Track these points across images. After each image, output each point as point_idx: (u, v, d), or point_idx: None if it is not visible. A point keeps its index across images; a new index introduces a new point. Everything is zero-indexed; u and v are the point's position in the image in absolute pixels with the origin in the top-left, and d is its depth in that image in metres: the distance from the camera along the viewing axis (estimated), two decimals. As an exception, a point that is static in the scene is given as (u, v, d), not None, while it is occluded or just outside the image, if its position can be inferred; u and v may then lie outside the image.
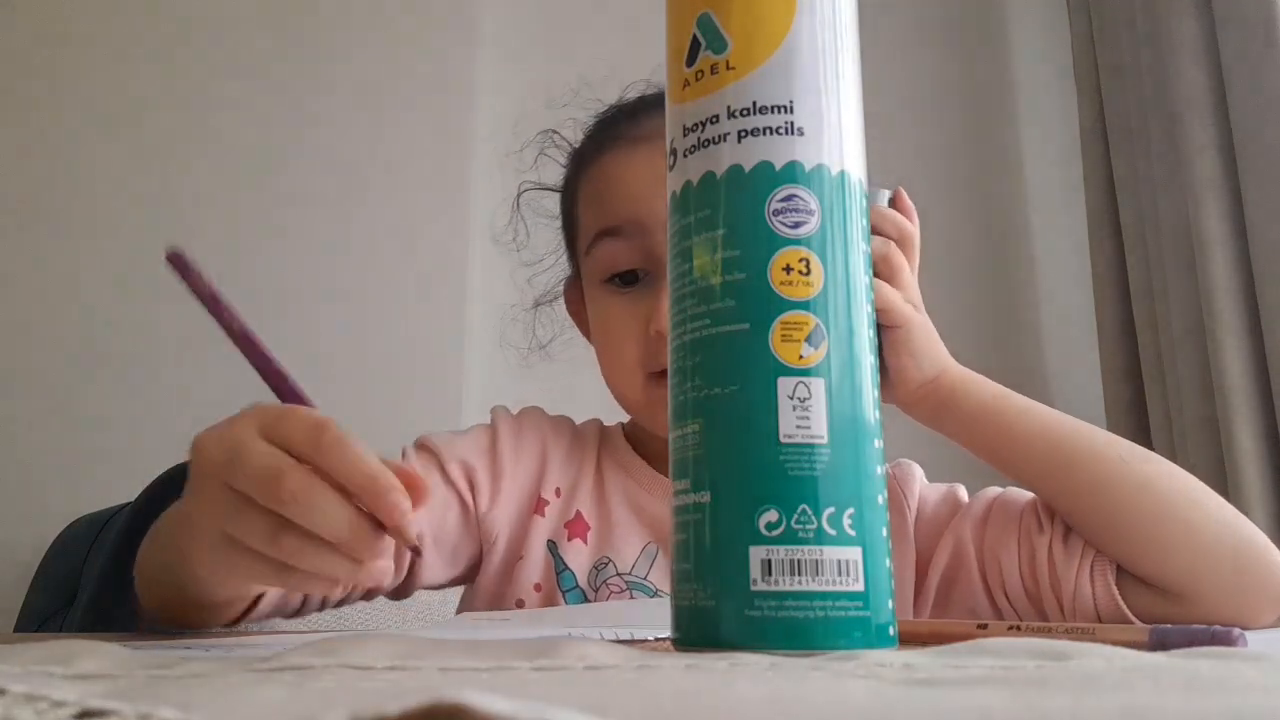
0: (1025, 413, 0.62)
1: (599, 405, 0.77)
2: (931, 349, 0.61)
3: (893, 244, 0.61)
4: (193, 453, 0.40)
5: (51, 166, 1.53)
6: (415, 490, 0.38)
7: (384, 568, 0.39)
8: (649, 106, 0.72)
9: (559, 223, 0.80)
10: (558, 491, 0.71)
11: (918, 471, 0.72)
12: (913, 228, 0.63)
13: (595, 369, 0.72)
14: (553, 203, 0.80)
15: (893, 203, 0.64)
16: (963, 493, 0.70)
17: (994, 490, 0.67)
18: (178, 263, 0.45)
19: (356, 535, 0.37)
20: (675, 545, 0.35)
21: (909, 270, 0.62)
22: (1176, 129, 1.38)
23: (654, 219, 0.65)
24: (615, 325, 0.68)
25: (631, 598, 0.67)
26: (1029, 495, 0.65)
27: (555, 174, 0.80)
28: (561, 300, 0.81)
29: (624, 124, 0.72)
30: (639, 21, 0.76)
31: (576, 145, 0.78)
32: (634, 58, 0.73)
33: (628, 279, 0.67)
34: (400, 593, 0.67)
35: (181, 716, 0.17)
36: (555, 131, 0.80)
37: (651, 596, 0.67)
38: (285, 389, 0.44)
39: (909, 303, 0.60)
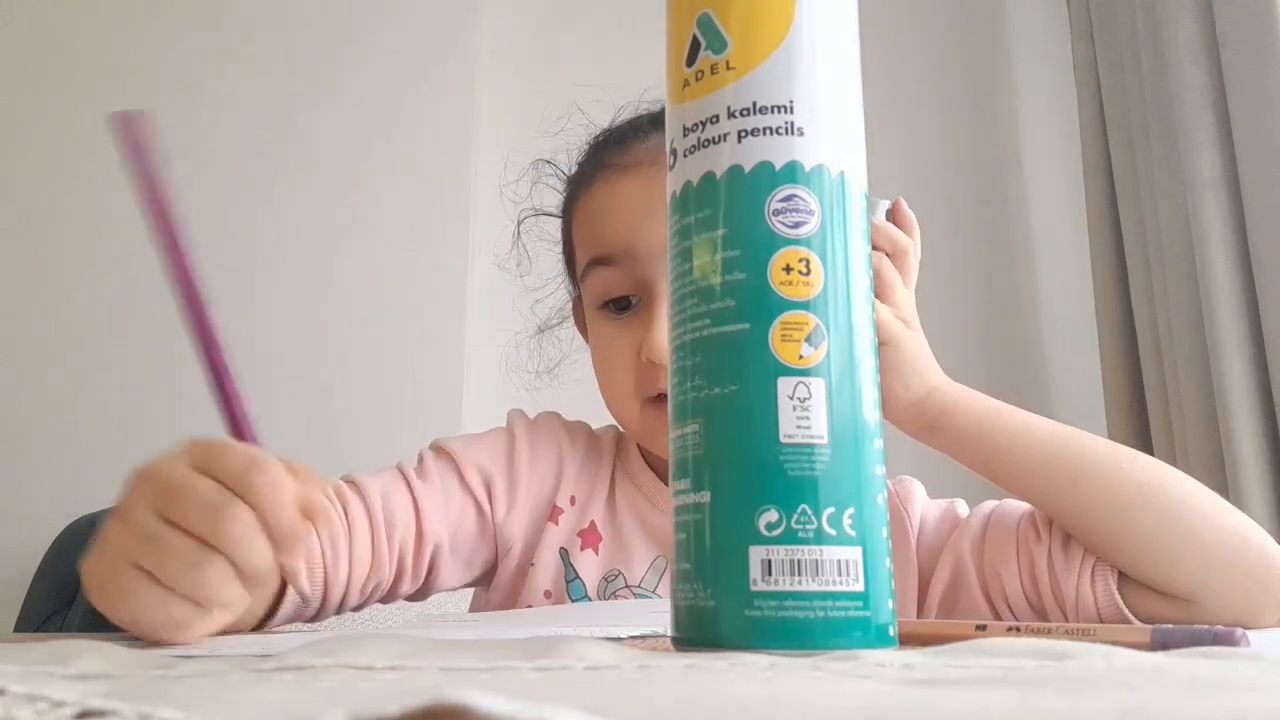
0: (1021, 429, 0.60)
1: (603, 423, 0.77)
2: (920, 368, 0.60)
3: (885, 258, 0.60)
4: (126, 484, 0.39)
5: (50, 166, 1.53)
6: (317, 521, 0.38)
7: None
8: (637, 132, 0.73)
9: (560, 246, 0.80)
10: (572, 500, 0.72)
11: (919, 489, 0.71)
12: (908, 241, 0.61)
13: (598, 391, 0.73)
14: (555, 227, 0.81)
15: (891, 214, 0.62)
16: (962, 508, 0.69)
17: (990, 504, 0.67)
18: (123, 125, 0.31)
19: (270, 577, 0.39)
20: (675, 545, 0.35)
21: (901, 285, 0.60)
22: (1176, 129, 1.37)
23: (644, 247, 0.66)
24: (609, 352, 0.69)
25: None
26: (1025, 505, 0.64)
27: (557, 199, 0.80)
28: (565, 324, 0.82)
29: (612, 151, 0.72)
30: (642, 38, 0.76)
31: (572, 171, 0.78)
32: (636, 77, 0.73)
33: (620, 305, 0.68)
34: (418, 596, 0.69)
35: (181, 716, 0.17)
36: (548, 161, 0.80)
37: None
38: (219, 365, 0.40)
39: (900, 319, 0.59)
